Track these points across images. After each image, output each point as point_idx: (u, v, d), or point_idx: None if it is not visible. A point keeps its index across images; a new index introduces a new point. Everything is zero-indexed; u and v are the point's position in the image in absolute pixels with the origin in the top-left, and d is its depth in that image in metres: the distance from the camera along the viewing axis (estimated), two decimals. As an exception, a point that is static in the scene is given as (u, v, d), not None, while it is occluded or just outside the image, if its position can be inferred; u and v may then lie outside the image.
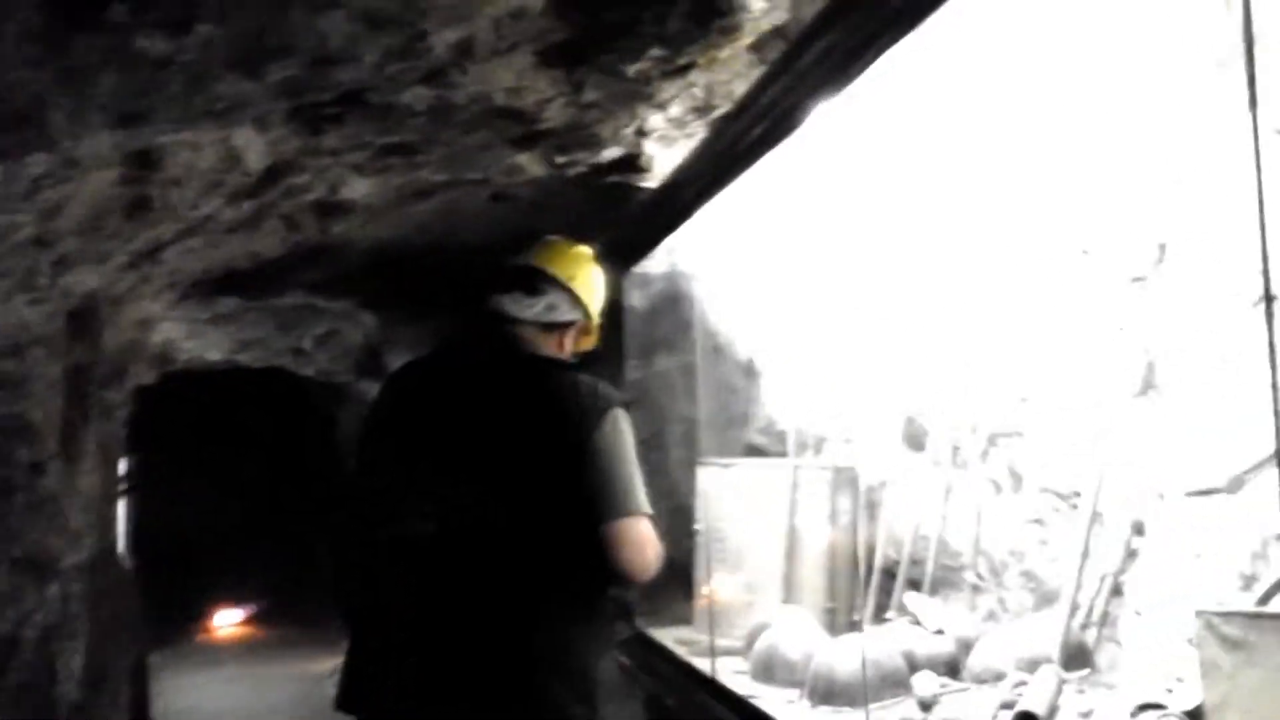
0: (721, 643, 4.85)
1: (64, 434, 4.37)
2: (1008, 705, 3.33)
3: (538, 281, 3.05)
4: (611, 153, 4.94)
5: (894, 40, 2.94)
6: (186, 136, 3.69)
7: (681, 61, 4.04)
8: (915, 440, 5.02)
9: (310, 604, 11.01)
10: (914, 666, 3.90)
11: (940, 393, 4.85)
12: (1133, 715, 3.09)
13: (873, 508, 5.20)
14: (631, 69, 4.02)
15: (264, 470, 12.47)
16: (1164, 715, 2.98)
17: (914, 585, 4.88)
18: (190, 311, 7.38)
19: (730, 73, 4.41)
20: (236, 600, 12.71)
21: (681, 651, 4.93)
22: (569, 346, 3.16)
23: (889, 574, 5.02)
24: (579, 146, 4.76)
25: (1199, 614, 2.85)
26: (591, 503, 2.71)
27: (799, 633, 4.37)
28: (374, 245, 6.31)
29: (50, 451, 4.29)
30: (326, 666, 9.56)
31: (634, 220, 5.39)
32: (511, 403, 2.84)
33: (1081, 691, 3.54)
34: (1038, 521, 4.50)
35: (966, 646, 4.11)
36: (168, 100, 3.11)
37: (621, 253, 5.49)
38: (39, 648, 4.24)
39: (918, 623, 4.07)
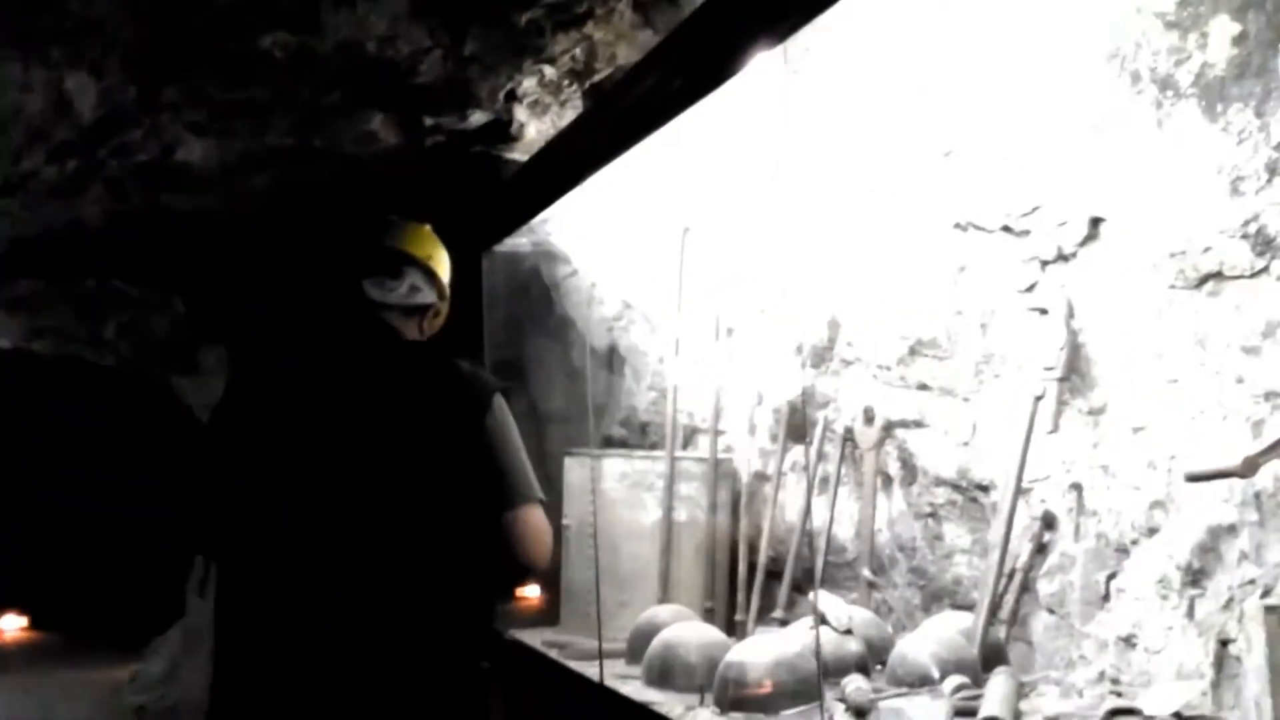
0: (594, 644, 4.54)
1: None
2: (963, 713, 3.09)
3: (400, 264, 2.96)
4: (479, 118, 4.57)
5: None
6: (15, 73, 3.22)
7: (580, 9, 3.70)
8: (798, 431, 4.77)
9: (95, 608, 10.50)
10: (824, 669, 3.65)
11: (829, 380, 4.61)
12: (1103, 721, 2.89)
13: (753, 502, 4.93)
14: (523, 17, 3.66)
15: (54, 467, 11.73)
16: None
17: (798, 583, 4.63)
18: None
19: (613, 31, 4.10)
20: (17, 604, 11.94)
21: (554, 654, 4.58)
22: (427, 330, 3.09)
23: (770, 573, 4.76)
24: (449, 108, 4.38)
25: (1270, 609, 2.64)
26: (487, 492, 2.65)
27: (695, 633, 4.07)
28: (198, 221, 5.78)
29: None
30: (122, 674, 9.02)
31: (498, 196, 5.02)
32: (394, 394, 2.71)
33: (1026, 695, 3.33)
34: (931, 516, 4.31)
35: (872, 647, 3.87)
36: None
37: (481, 230, 5.13)
38: None
39: (825, 622, 3.81)
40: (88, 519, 11.34)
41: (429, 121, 4.46)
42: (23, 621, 12.00)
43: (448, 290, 3.14)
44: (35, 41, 3.02)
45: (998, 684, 3.15)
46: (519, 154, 4.89)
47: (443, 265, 3.11)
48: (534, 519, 2.70)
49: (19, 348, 9.01)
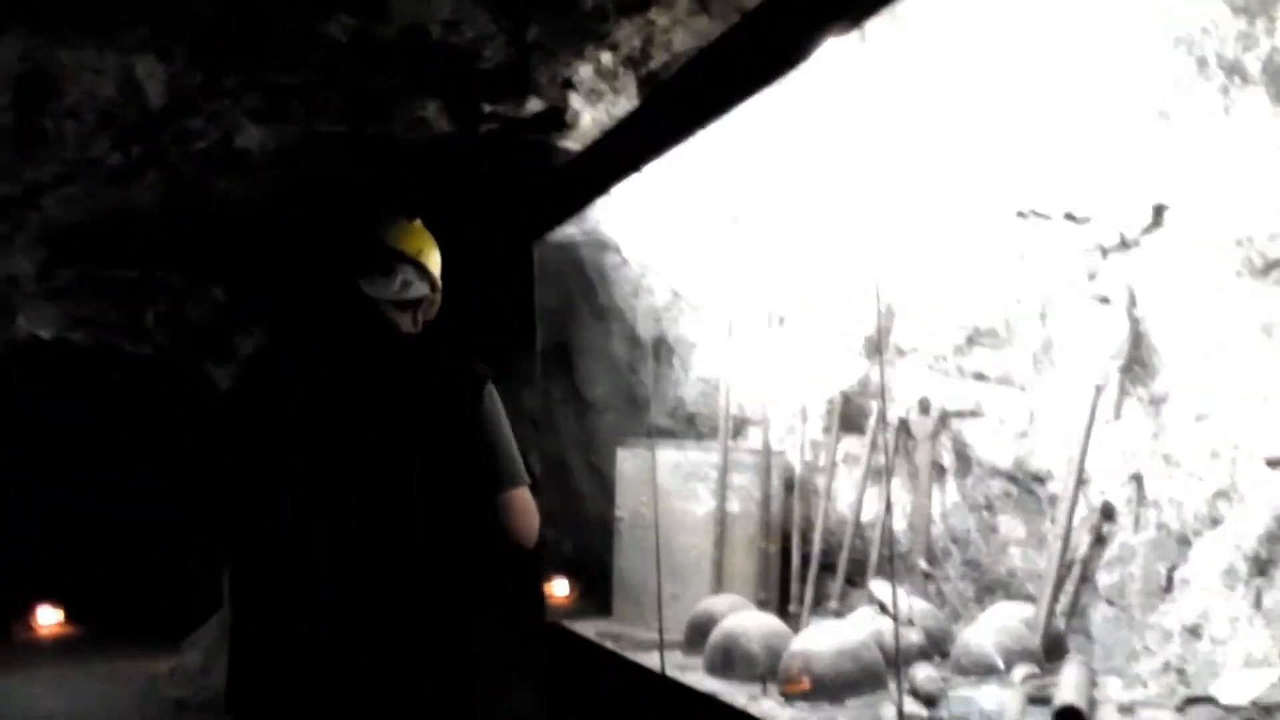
0: (649, 635, 4.53)
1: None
2: (1037, 700, 3.07)
3: (392, 261, 3.08)
4: (535, 105, 4.57)
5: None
6: (90, 59, 3.23)
7: (645, -7, 3.69)
8: (852, 421, 4.76)
9: (131, 601, 10.53)
10: (886, 658, 3.64)
11: (884, 369, 4.59)
12: (1180, 710, 2.87)
13: (806, 493, 4.91)
14: (589, 2, 3.66)
15: (92, 458, 11.72)
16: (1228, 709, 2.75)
17: (850, 575, 4.62)
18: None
19: (672, 17, 4.09)
20: (54, 597, 11.94)
21: (609, 645, 4.58)
22: (421, 320, 3.22)
23: (821, 565, 4.75)
24: (507, 95, 4.38)
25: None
26: (481, 475, 2.84)
27: (757, 623, 4.06)
28: (244, 208, 5.79)
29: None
30: (159, 666, 9.03)
31: (551, 184, 5.00)
32: (393, 387, 2.86)
33: (1096, 685, 3.30)
34: (986, 507, 4.28)
35: (931, 638, 3.86)
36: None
37: (533, 219, 5.12)
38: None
39: (885, 611, 3.80)
40: (124, 511, 11.31)
41: (486, 109, 4.45)
42: (59, 614, 12.01)
43: (439, 282, 3.26)
44: (108, 26, 3.02)
45: (1072, 672, 3.13)
46: (572, 142, 4.88)
47: (433, 259, 3.22)
48: (521, 501, 2.88)
49: (58, 338, 9.02)
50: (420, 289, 3.13)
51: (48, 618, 11.96)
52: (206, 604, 8.73)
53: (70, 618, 11.98)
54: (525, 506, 2.90)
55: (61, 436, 11.44)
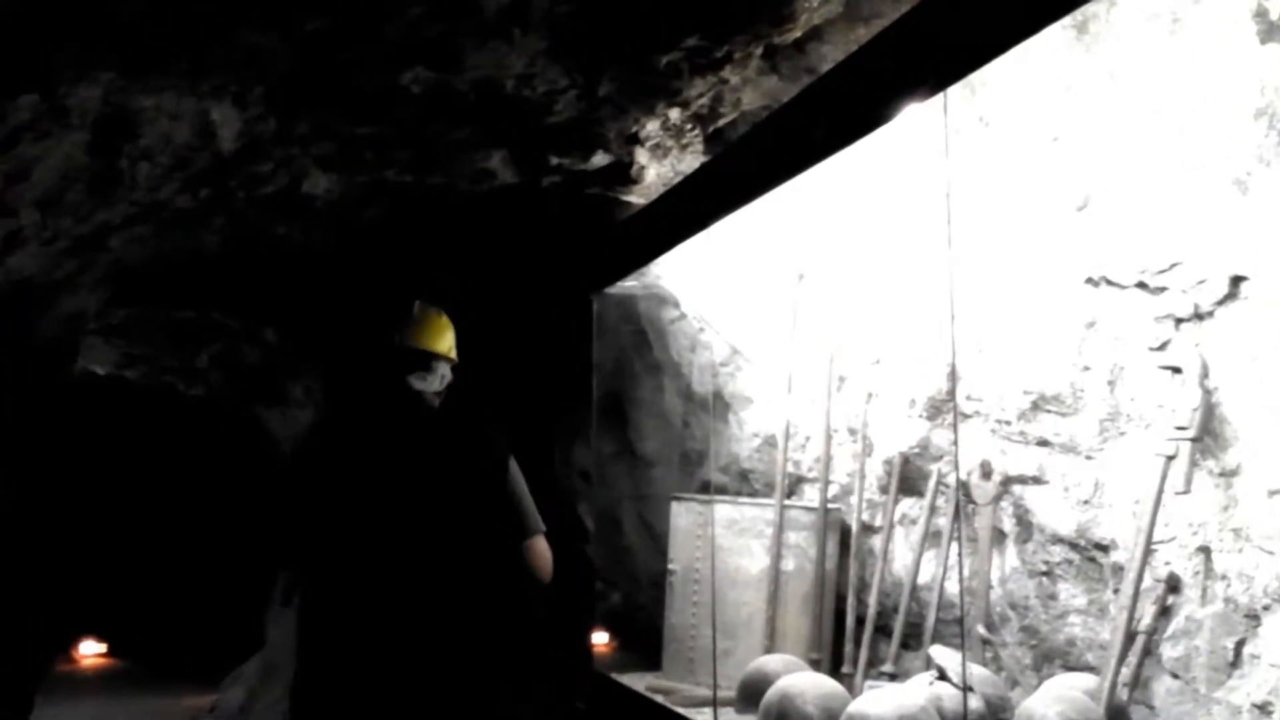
0: (699, 691, 4.49)
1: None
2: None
3: (431, 361, 3.79)
4: (601, 159, 4.56)
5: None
6: (169, 103, 3.26)
7: (719, 54, 3.69)
8: (910, 483, 4.72)
9: (173, 637, 10.55)
10: (944, 727, 3.60)
11: (944, 432, 4.55)
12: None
13: (861, 553, 4.87)
14: (662, 60, 3.66)
15: (140, 495, 11.78)
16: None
17: (906, 637, 4.57)
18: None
19: (740, 76, 4.09)
20: (96, 630, 11.99)
21: (659, 700, 4.54)
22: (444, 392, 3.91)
23: (877, 626, 4.70)
24: (575, 149, 4.38)
25: None
26: (509, 524, 3.53)
27: (813, 684, 4.02)
28: (305, 254, 5.82)
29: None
30: (199, 702, 9.02)
31: (612, 238, 5.01)
32: (436, 453, 3.59)
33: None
34: (1046, 574, 4.23)
35: (990, 705, 3.80)
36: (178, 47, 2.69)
37: (593, 272, 5.13)
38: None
39: (944, 677, 3.75)
40: (169, 548, 11.36)
41: (553, 161, 4.46)
42: (101, 648, 12.05)
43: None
44: (189, 72, 3.04)
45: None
46: (635, 197, 4.88)
47: (455, 350, 3.92)
48: (540, 544, 3.57)
49: (111, 374, 9.09)
50: (449, 375, 3.86)
51: (91, 650, 12.01)
52: (247, 643, 8.74)
53: (113, 651, 12.03)
54: (544, 549, 3.57)
55: (111, 473, 11.50)
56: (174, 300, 6.88)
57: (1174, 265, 3.63)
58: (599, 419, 6.00)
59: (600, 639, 6.29)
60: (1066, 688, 3.68)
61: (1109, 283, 3.85)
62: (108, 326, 7.54)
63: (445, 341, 3.87)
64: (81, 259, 4.02)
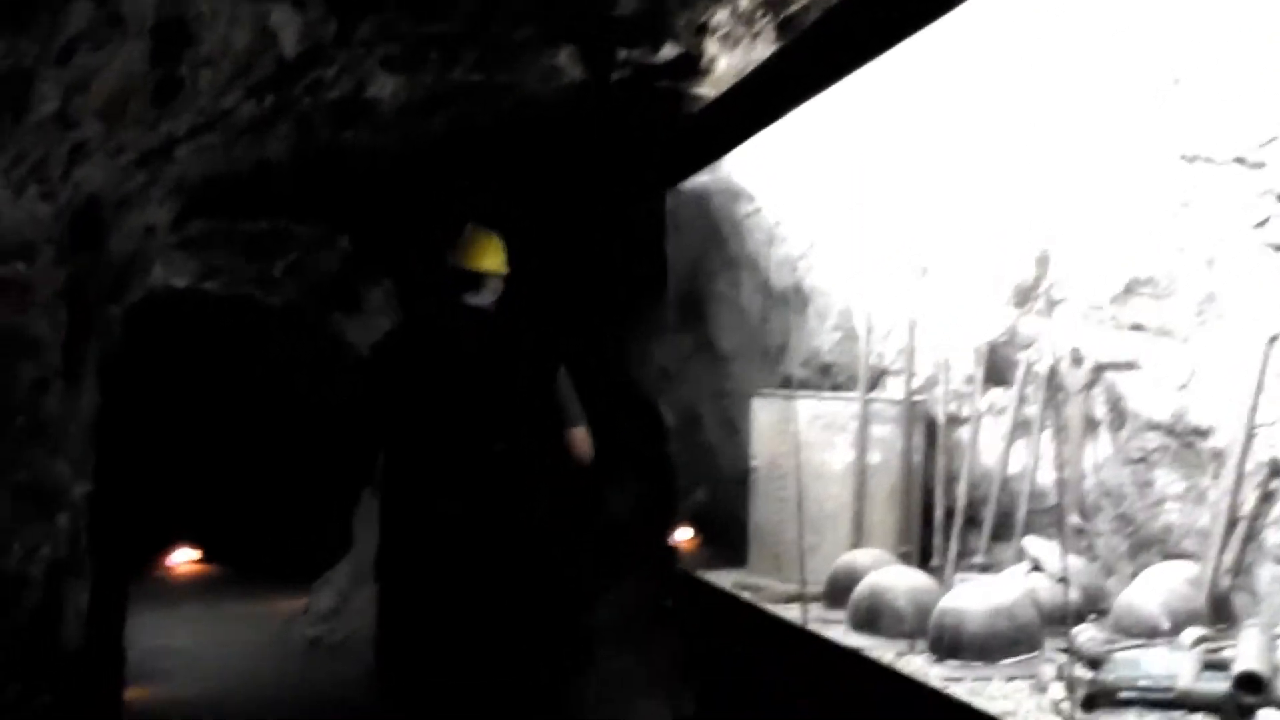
0: (786, 587, 4.46)
1: (67, 351, 3.85)
2: (1214, 666, 2.93)
3: (483, 279, 4.47)
4: (670, 51, 4.45)
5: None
6: (225, 6, 3.18)
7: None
8: (997, 373, 4.61)
9: (265, 542, 10.76)
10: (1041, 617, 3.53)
11: (1033, 320, 4.43)
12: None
13: (948, 446, 4.78)
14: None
15: (229, 404, 11.92)
16: None
17: (997, 528, 4.49)
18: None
19: (810, -41, 3.93)
20: (190, 538, 12.22)
21: (746, 597, 4.52)
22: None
23: (966, 518, 4.62)
24: (643, 40, 4.27)
25: None
26: (558, 413, 4.41)
27: (904, 579, 3.97)
28: (374, 159, 5.76)
29: (54, 369, 3.77)
30: (295, 605, 9.17)
31: (685, 132, 4.89)
32: (503, 356, 4.44)
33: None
34: (1141, 461, 4.12)
35: (1087, 596, 3.72)
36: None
37: (666, 168, 5.02)
38: (46, 585, 3.78)
39: (1038, 568, 3.67)
40: (259, 455, 11.50)
41: (621, 55, 4.35)
42: (195, 555, 12.30)
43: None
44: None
45: (1251, 637, 2.98)
46: (706, 89, 4.76)
47: (504, 261, 4.52)
48: (582, 434, 4.42)
49: (192, 287, 9.13)
50: (500, 288, 4.51)
51: (184, 557, 12.25)
52: (337, 546, 8.84)
53: (207, 558, 12.26)
54: (584, 436, 4.43)
55: (199, 382, 11.63)
56: (247, 211, 6.88)
57: (1273, 139, 3.47)
58: (677, 316, 5.94)
59: (685, 536, 6.28)
60: (1167, 577, 3.59)
61: (1205, 160, 3.69)
62: (186, 240, 7.56)
63: (495, 259, 4.48)
64: (149, 171, 3.98)
